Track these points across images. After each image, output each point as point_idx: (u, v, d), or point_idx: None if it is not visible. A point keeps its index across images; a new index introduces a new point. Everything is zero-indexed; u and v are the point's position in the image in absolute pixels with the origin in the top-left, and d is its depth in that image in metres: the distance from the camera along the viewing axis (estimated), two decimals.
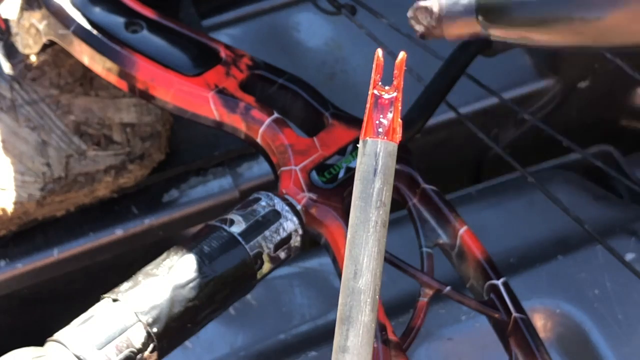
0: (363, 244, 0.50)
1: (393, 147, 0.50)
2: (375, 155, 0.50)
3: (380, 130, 0.50)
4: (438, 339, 0.98)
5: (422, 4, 0.46)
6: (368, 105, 0.50)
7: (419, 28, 0.46)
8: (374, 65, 0.51)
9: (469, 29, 0.46)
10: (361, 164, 0.50)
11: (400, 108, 0.51)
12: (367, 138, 0.50)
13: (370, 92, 0.51)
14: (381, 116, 0.50)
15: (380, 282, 0.51)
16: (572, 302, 1.00)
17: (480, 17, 0.45)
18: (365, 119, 0.50)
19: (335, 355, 0.50)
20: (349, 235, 0.51)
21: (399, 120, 0.50)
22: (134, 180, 1.03)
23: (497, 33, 0.44)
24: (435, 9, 0.46)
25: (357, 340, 0.49)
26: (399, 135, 0.50)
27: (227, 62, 0.85)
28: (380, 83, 0.51)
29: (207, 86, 0.83)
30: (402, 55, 0.51)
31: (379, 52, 0.51)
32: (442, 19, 0.46)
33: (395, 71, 0.51)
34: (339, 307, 0.50)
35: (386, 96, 0.51)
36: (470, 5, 0.45)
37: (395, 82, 0.51)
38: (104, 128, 1.03)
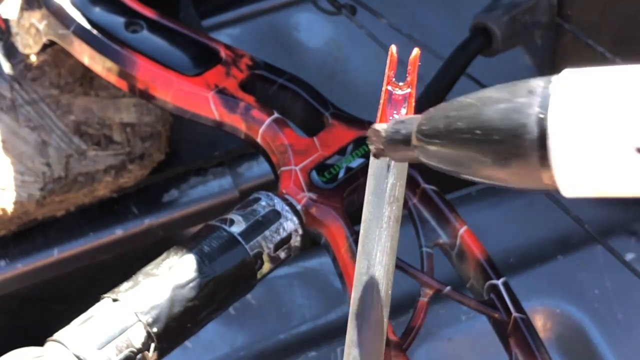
0: (376, 240, 0.50)
1: None
2: None
3: None
4: (438, 339, 0.98)
5: (374, 126, 0.49)
6: (382, 101, 0.50)
7: (372, 148, 0.49)
8: (387, 62, 0.50)
9: (408, 156, 0.49)
10: (374, 160, 0.50)
11: (413, 104, 0.50)
12: None
13: (384, 88, 0.50)
14: (395, 112, 0.50)
15: (393, 277, 0.51)
16: (572, 302, 1.00)
17: (416, 150, 0.48)
18: (378, 114, 0.50)
19: (348, 349, 0.50)
20: (362, 231, 0.51)
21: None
22: (134, 180, 1.03)
23: (432, 163, 0.48)
24: (383, 133, 0.49)
25: (368, 335, 0.49)
26: None
27: (227, 62, 0.85)
28: (394, 79, 0.51)
29: (207, 86, 0.83)
30: (416, 51, 0.51)
31: (393, 48, 0.51)
32: (385, 144, 0.49)
33: (409, 67, 0.51)
34: (351, 301, 0.50)
35: (400, 92, 0.51)
36: (408, 135, 0.48)
37: (408, 79, 0.51)
38: (104, 128, 1.03)
